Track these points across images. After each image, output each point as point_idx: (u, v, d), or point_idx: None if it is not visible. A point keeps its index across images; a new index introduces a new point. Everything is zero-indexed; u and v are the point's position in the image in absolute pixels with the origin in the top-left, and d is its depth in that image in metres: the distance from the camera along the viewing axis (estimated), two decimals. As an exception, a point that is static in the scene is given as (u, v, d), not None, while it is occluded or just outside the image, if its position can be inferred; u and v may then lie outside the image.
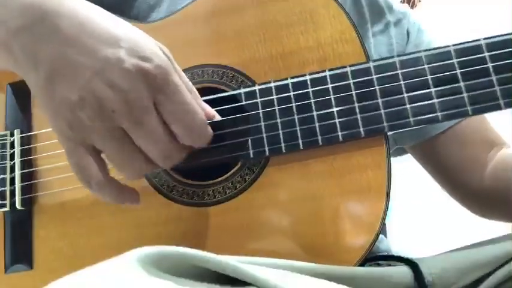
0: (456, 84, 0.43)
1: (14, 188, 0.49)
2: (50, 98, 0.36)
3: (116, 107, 0.35)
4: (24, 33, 0.35)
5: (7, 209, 0.49)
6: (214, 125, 0.45)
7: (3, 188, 0.49)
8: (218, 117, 0.43)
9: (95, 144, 0.37)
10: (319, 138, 0.44)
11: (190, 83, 0.39)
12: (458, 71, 0.43)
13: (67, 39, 0.35)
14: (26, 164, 0.50)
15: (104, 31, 0.35)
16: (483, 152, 0.61)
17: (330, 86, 0.45)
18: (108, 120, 0.35)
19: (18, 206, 0.49)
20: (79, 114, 0.35)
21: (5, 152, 0.50)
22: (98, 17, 0.36)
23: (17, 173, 0.49)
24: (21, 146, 0.50)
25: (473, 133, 0.61)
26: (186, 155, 0.40)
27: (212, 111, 0.43)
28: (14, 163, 0.50)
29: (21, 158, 0.50)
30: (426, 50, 0.44)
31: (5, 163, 0.50)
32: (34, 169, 0.50)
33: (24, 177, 0.50)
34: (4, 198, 0.49)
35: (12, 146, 0.51)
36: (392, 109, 0.43)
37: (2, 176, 0.50)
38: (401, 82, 0.44)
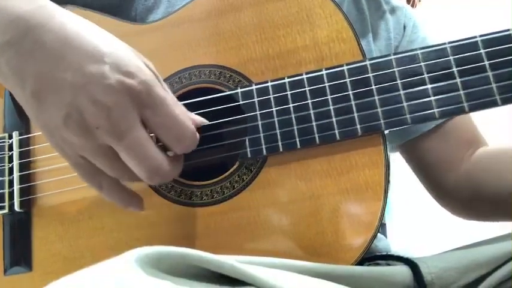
0: (452, 81, 0.43)
1: (13, 190, 0.49)
2: (38, 115, 0.36)
3: (99, 124, 0.34)
4: (9, 49, 0.35)
5: (6, 211, 0.49)
6: (212, 126, 0.45)
7: (2, 191, 0.49)
8: (206, 122, 0.44)
9: (88, 158, 0.37)
10: (316, 136, 0.44)
11: (174, 97, 0.39)
12: (454, 68, 0.43)
13: (50, 54, 0.34)
14: (25, 166, 0.50)
15: (89, 46, 0.35)
16: (461, 151, 0.61)
17: (326, 84, 0.45)
18: (92, 137, 0.35)
19: (17, 208, 0.49)
20: (66, 131, 0.35)
21: (4, 154, 0.50)
22: (86, 33, 0.36)
23: (16, 175, 0.49)
24: (19, 148, 0.50)
25: (454, 131, 0.62)
26: (176, 172, 0.40)
27: (199, 118, 0.43)
28: (12, 165, 0.50)
29: (19, 160, 0.50)
30: (422, 48, 0.44)
31: (4, 165, 0.50)
32: (32, 171, 0.50)
33: (22, 179, 0.50)
34: (3, 201, 0.49)
35: (10, 148, 0.51)
36: (389, 107, 0.43)
37: (0, 178, 0.50)
38: (398, 80, 0.44)
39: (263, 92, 0.46)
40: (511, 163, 0.55)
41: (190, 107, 0.47)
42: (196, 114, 0.45)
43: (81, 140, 0.35)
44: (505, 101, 0.42)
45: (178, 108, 0.38)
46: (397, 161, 0.68)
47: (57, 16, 0.35)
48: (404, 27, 0.66)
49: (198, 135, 0.40)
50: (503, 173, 0.55)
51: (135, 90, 0.35)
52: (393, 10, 0.66)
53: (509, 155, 0.56)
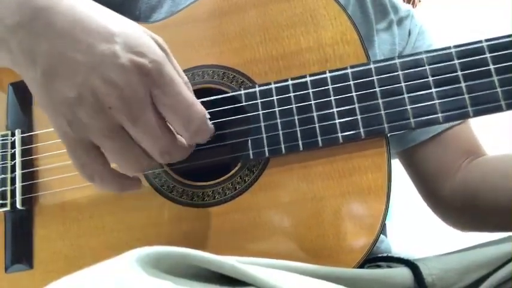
0: (457, 85, 0.43)
1: (15, 187, 0.49)
2: (48, 96, 0.36)
3: (112, 104, 0.35)
4: (20, 30, 0.35)
5: (8, 208, 0.49)
6: (215, 126, 0.45)
7: (4, 188, 0.49)
8: (207, 115, 0.43)
9: (93, 141, 0.37)
10: (319, 139, 0.44)
11: (186, 78, 0.39)
12: (459, 72, 0.43)
13: (61, 35, 0.35)
14: (27, 163, 0.50)
15: (99, 26, 0.35)
16: (458, 160, 0.61)
17: (330, 87, 0.45)
18: (105, 117, 0.35)
19: (18, 205, 0.49)
20: (77, 111, 0.35)
21: (6, 151, 0.50)
22: (95, 13, 0.36)
23: (18, 172, 0.49)
24: (22, 146, 0.50)
25: (453, 141, 0.61)
26: (186, 152, 0.40)
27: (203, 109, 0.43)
28: (14, 163, 0.50)
29: (22, 157, 0.50)
30: (427, 51, 0.44)
31: (6, 163, 0.50)
32: (35, 169, 0.50)
33: (25, 177, 0.50)
34: (5, 198, 0.49)
35: (13, 145, 0.51)
36: (393, 110, 0.43)
37: (2, 176, 0.50)
38: (402, 83, 0.44)
39: (266, 93, 0.46)
40: (506, 171, 0.54)
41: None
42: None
43: (93, 120, 0.35)
44: (509, 106, 0.42)
45: (187, 91, 0.38)
46: (398, 161, 0.68)
47: (64, 4, 0.35)
48: (410, 34, 0.65)
49: (210, 124, 0.39)
50: (499, 181, 0.54)
51: (146, 69, 0.35)
52: (401, 21, 0.65)
53: (506, 164, 0.55)
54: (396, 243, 0.66)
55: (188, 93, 0.37)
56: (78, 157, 0.37)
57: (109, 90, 0.34)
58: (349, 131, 0.44)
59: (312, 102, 0.45)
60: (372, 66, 0.45)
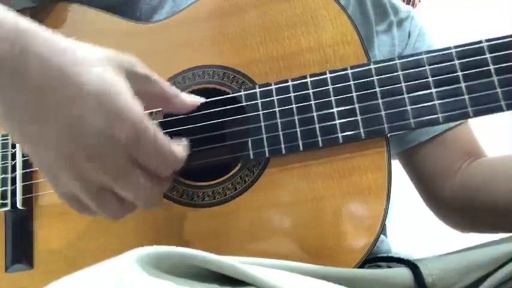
0: (457, 86, 0.43)
1: (15, 187, 0.49)
2: (28, 151, 0.35)
3: (89, 173, 0.34)
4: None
5: (8, 208, 0.49)
6: (215, 126, 0.45)
7: (4, 188, 0.49)
8: (201, 100, 0.44)
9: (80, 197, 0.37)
10: (319, 139, 0.44)
11: (172, 92, 0.40)
12: (459, 73, 0.43)
13: (33, 92, 0.32)
14: (27, 163, 0.50)
15: (72, 85, 0.32)
16: (458, 161, 0.60)
17: (330, 87, 0.45)
18: (84, 183, 0.35)
19: (19, 205, 0.49)
20: (59, 176, 0.35)
21: (7, 151, 0.50)
22: (68, 69, 0.33)
23: (18, 172, 0.50)
24: (22, 146, 0.51)
25: (453, 142, 0.61)
26: (165, 189, 0.41)
27: (193, 102, 0.44)
28: (15, 163, 0.50)
29: (22, 157, 0.50)
30: (427, 52, 0.44)
31: (7, 163, 0.50)
32: (35, 169, 0.50)
33: (25, 177, 0.50)
34: (5, 198, 0.49)
35: (14, 145, 0.51)
36: (393, 110, 0.43)
37: (3, 176, 0.50)
38: (402, 83, 0.44)
39: (266, 93, 0.46)
40: (506, 172, 0.54)
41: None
42: (198, 115, 0.45)
43: (72, 184, 0.35)
44: (510, 107, 0.42)
45: (167, 146, 0.37)
46: (398, 162, 0.68)
47: (35, 55, 0.32)
48: (409, 35, 0.65)
49: (183, 158, 0.40)
50: (498, 183, 0.54)
51: (123, 138, 0.34)
52: (400, 22, 0.65)
53: (506, 165, 0.55)
54: (396, 243, 0.66)
55: (169, 149, 0.37)
56: (77, 209, 0.39)
57: (84, 157, 0.34)
58: (349, 131, 0.44)
59: (312, 102, 0.45)
60: (372, 66, 0.45)
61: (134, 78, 0.37)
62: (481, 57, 0.43)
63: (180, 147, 0.40)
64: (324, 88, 0.45)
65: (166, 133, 0.38)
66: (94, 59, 0.34)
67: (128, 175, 0.36)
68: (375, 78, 0.44)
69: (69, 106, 0.33)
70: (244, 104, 0.46)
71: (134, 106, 0.35)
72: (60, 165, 0.34)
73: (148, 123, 0.35)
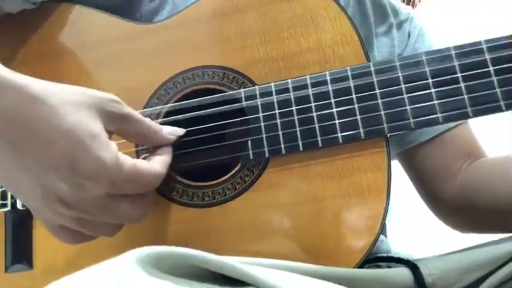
0: (457, 86, 0.43)
1: (15, 188, 0.49)
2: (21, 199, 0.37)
3: (71, 215, 0.36)
4: None
5: (8, 208, 0.49)
6: (214, 127, 0.45)
7: (4, 188, 0.49)
8: (183, 131, 0.44)
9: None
10: (319, 139, 0.44)
11: (153, 128, 0.40)
12: (459, 73, 0.43)
13: (9, 143, 0.33)
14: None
15: (43, 152, 0.33)
16: (458, 162, 0.60)
17: (330, 87, 0.45)
18: (68, 222, 0.36)
19: (19, 206, 0.49)
20: (40, 211, 0.37)
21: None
22: (41, 121, 0.32)
23: (18, 173, 0.50)
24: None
25: (452, 142, 0.61)
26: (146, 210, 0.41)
27: (175, 134, 0.43)
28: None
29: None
30: (427, 52, 0.44)
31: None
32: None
33: (25, 177, 0.50)
34: (5, 198, 0.49)
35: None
36: (393, 110, 0.43)
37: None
38: (402, 84, 0.44)
39: (266, 93, 0.46)
40: (506, 173, 0.54)
41: (193, 108, 0.47)
42: (198, 115, 0.46)
43: (57, 219, 0.37)
44: (509, 107, 0.42)
45: (143, 173, 0.37)
46: (397, 162, 0.68)
47: (15, 99, 0.32)
48: (409, 35, 0.65)
49: (163, 175, 0.40)
50: (498, 183, 0.54)
51: (97, 189, 0.34)
52: (400, 24, 0.65)
53: (505, 166, 0.55)
54: (396, 243, 0.66)
55: (147, 173, 0.38)
56: (70, 237, 0.39)
57: (62, 207, 0.35)
58: (349, 131, 0.44)
59: (312, 102, 0.45)
60: (371, 66, 0.45)
61: (111, 118, 0.37)
62: (481, 57, 0.43)
63: (157, 166, 0.40)
64: (324, 88, 0.45)
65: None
66: (67, 104, 0.34)
67: (109, 209, 0.36)
68: (374, 78, 0.44)
69: (42, 172, 0.33)
70: (244, 104, 0.46)
71: (106, 155, 0.34)
72: (41, 207, 0.36)
73: (122, 160, 0.35)
